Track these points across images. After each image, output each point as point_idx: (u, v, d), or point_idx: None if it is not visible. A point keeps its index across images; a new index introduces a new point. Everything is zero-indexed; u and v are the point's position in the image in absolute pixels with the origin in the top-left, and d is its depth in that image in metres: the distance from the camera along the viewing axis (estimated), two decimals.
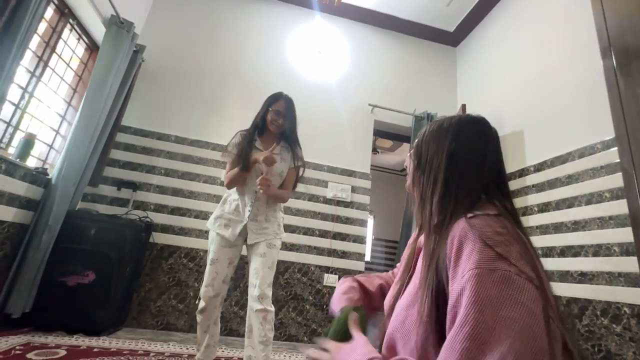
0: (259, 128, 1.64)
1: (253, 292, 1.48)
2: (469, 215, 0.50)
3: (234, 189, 1.61)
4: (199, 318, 1.55)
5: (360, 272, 2.64)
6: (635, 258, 1.35)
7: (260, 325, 1.42)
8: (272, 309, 1.45)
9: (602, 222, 1.63)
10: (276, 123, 1.60)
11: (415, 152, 0.66)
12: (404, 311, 0.53)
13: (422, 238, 0.64)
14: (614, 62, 1.17)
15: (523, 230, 0.51)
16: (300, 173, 1.69)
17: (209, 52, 2.90)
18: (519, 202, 2.18)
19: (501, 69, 2.72)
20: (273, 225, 1.60)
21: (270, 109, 1.61)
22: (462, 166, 0.57)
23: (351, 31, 3.30)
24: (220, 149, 2.66)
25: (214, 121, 2.74)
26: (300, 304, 2.48)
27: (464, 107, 2.62)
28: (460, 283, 0.42)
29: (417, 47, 3.44)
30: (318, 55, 3.11)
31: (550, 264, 1.87)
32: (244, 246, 1.62)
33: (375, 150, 5.20)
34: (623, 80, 1.12)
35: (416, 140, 0.67)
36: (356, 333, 0.58)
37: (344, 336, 0.60)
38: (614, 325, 1.50)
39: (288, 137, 1.65)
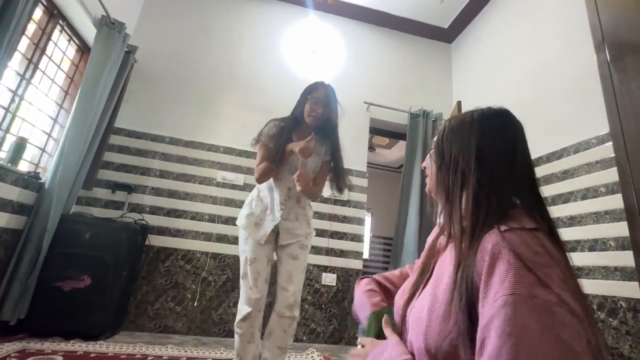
0: (298, 121, 1.49)
1: (286, 297, 1.39)
2: (503, 227, 0.44)
3: (264, 184, 1.50)
4: (240, 329, 1.35)
5: (358, 270, 2.64)
6: (630, 252, 1.36)
7: (284, 332, 1.37)
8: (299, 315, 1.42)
9: (598, 217, 1.64)
10: (315, 113, 1.43)
11: (437, 151, 0.60)
12: (426, 314, 0.49)
13: (442, 239, 0.61)
14: (608, 56, 1.17)
15: (562, 247, 0.46)
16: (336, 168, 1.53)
17: (202, 51, 2.87)
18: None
19: (496, 65, 2.72)
20: (302, 224, 1.51)
21: (308, 97, 1.46)
22: (492, 164, 0.52)
23: (346, 29, 3.28)
24: (215, 150, 2.65)
25: (209, 122, 2.71)
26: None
27: (459, 103, 2.62)
28: (492, 308, 0.38)
29: (412, 44, 3.43)
30: (313, 54, 3.10)
31: None
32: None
33: (371, 148, 5.19)
34: (617, 76, 1.12)
35: (435, 139, 0.62)
36: (388, 333, 0.59)
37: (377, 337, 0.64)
38: (611, 319, 1.51)
39: (325, 129, 1.48)
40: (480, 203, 0.49)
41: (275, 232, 1.47)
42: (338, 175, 1.52)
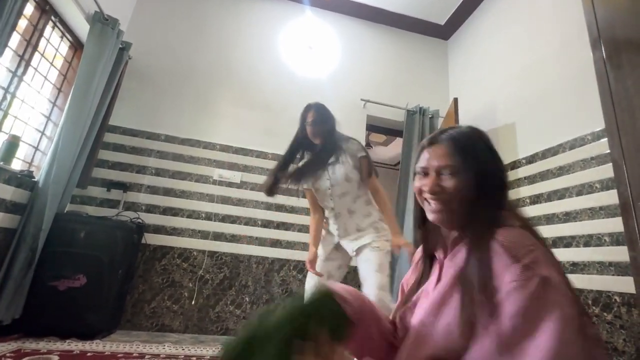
0: (304, 144, 1.61)
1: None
2: (498, 229, 0.54)
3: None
4: None
5: (355, 267, 2.64)
6: (625, 247, 1.37)
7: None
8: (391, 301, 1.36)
9: (593, 213, 1.65)
10: (316, 133, 1.57)
11: (452, 159, 0.61)
12: (440, 318, 0.55)
13: (438, 254, 0.66)
14: (604, 53, 1.17)
15: (539, 237, 0.56)
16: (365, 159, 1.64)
17: (198, 48, 2.84)
18: (511, 195, 2.20)
19: (492, 62, 2.72)
20: (368, 231, 1.53)
21: (305, 123, 1.58)
22: (495, 179, 0.61)
23: (342, 26, 3.26)
24: (211, 147, 2.63)
25: (205, 119, 2.69)
26: None
27: (455, 100, 2.62)
28: (506, 288, 0.47)
29: (409, 40, 3.42)
30: (309, 51, 3.08)
31: None
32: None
33: (368, 145, 5.19)
34: (613, 72, 1.13)
35: (451, 144, 0.62)
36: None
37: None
38: (605, 314, 1.53)
39: (332, 140, 1.58)
40: (484, 212, 0.59)
41: (342, 247, 1.60)
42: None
